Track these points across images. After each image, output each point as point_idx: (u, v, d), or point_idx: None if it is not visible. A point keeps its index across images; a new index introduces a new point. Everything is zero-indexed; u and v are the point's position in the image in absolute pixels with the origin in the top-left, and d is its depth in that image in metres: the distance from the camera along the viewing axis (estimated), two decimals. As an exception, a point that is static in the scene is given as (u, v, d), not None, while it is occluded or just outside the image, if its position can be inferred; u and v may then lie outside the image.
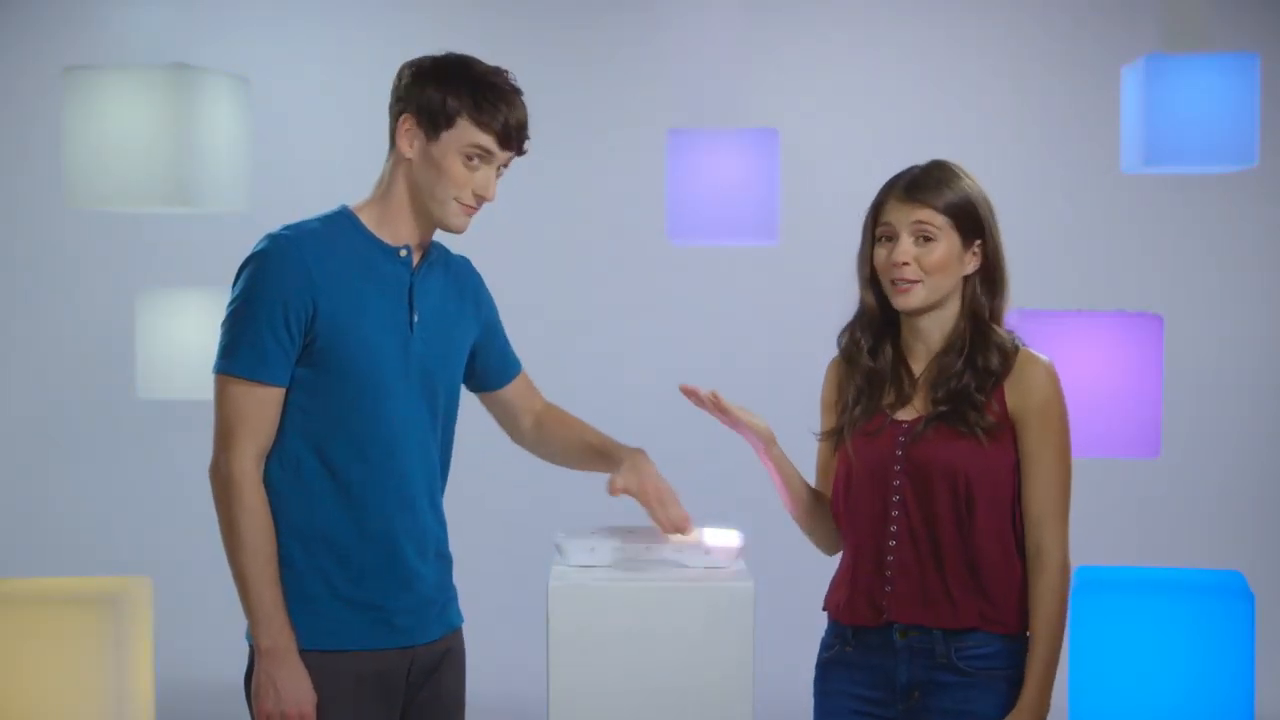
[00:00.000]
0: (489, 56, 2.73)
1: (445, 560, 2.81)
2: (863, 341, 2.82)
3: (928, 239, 2.73)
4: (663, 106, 6.29)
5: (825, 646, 2.84)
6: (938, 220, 2.73)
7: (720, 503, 5.68)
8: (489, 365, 2.92)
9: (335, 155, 6.14)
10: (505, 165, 2.71)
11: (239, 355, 2.61)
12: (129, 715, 3.45)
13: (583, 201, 6.52)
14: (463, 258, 2.91)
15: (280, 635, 2.62)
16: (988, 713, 2.70)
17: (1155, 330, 4.17)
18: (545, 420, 2.99)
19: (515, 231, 6.37)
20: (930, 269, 2.73)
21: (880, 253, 2.77)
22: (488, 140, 2.65)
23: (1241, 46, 5.81)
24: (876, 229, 2.79)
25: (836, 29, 6.50)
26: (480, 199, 2.68)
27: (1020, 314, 4.15)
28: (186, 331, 4.75)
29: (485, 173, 2.66)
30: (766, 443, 2.85)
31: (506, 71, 2.71)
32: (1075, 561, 3.67)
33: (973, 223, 2.75)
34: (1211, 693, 3.67)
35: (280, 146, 6.18)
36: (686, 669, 2.67)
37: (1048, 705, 2.71)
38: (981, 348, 2.74)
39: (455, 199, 2.66)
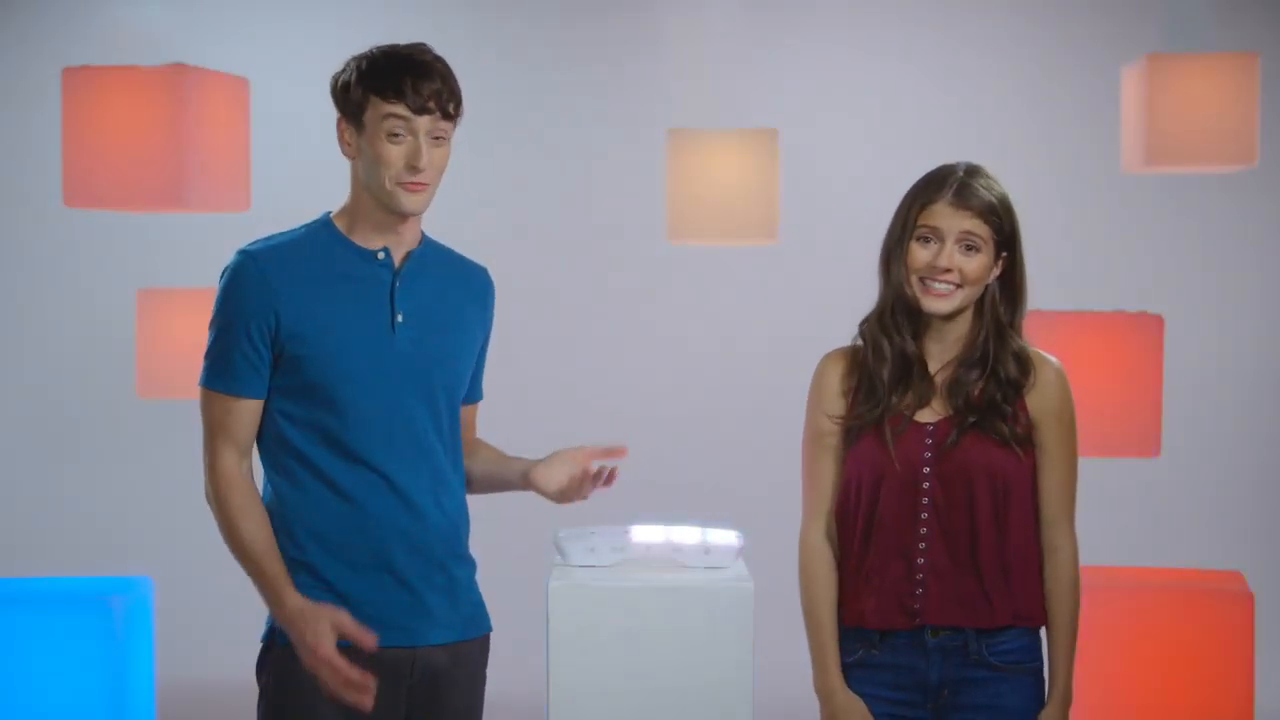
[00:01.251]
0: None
1: (457, 564, 2.76)
2: (904, 328, 2.78)
3: (971, 248, 2.73)
4: (663, 106, 6.29)
5: (847, 651, 2.79)
6: (984, 231, 2.73)
7: (720, 503, 5.68)
8: None
9: (335, 155, 6.12)
10: (443, 136, 2.69)
11: (211, 369, 2.70)
12: (129, 715, 3.45)
13: (583, 201, 6.52)
14: (481, 267, 2.89)
15: (291, 600, 2.62)
16: (1017, 705, 2.72)
17: (1155, 330, 4.17)
18: (472, 449, 2.93)
19: (515, 231, 6.37)
20: (970, 279, 2.73)
21: (921, 253, 2.74)
22: (398, 108, 2.64)
23: (1241, 46, 5.82)
24: (916, 228, 2.76)
25: (836, 29, 6.50)
26: (414, 170, 2.66)
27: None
28: (186, 332, 4.75)
29: (411, 144, 2.65)
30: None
31: (419, 45, 2.72)
32: (1075, 561, 3.67)
33: (1007, 235, 2.76)
34: (1211, 693, 3.67)
35: (280, 146, 6.18)
36: (686, 669, 2.67)
37: (1072, 694, 2.76)
38: (1001, 357, 2.76)
39: (393, 179, 2.66)
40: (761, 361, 6.33)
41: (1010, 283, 2.78)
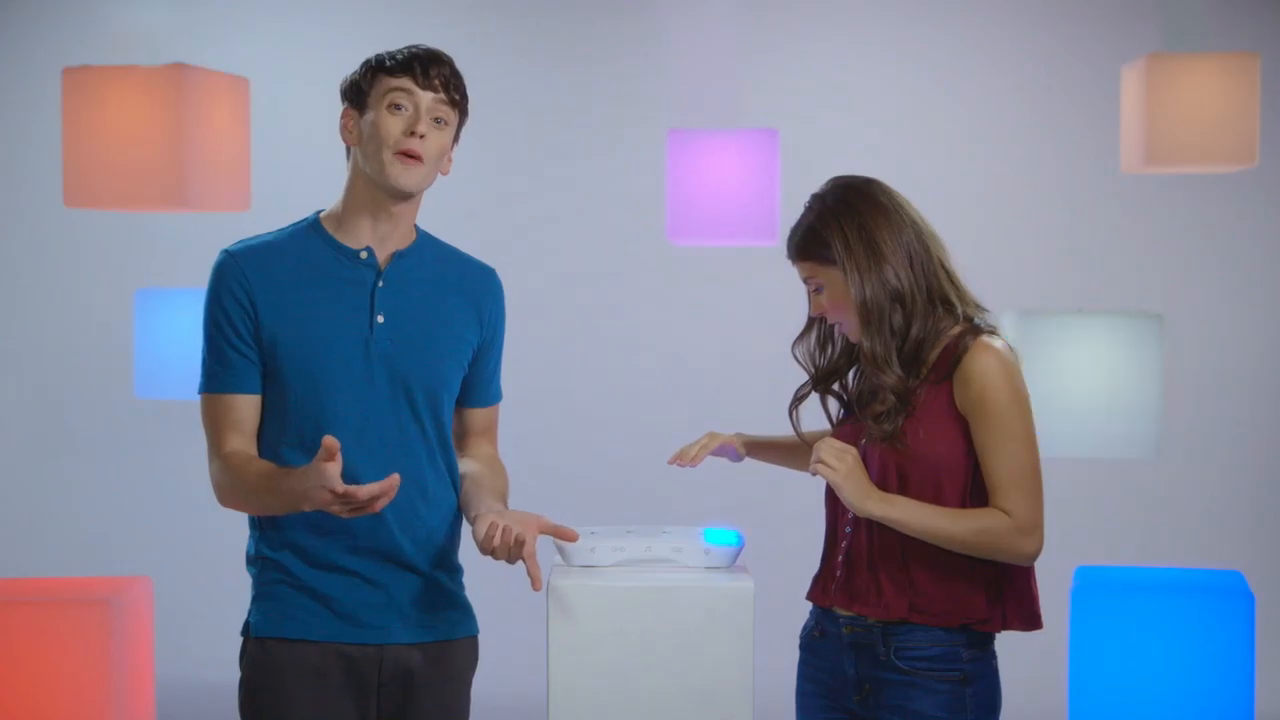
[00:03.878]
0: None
1: (436, 569, 2.77)
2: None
3: (817, 291, 2.84)
4: (663, 106, 6.30)
5: (805, 628, 2.91)
6: (811, 270, 2.83)
7: (720, 503, 5.69)
8: (464, 381, 2.87)
9: (335, 155, 6.13)
10: (445, 121, 2.70)
11: (203, 371, 2.75)
12: (129, 715, 3.45)
13: (583, 201, 6.52)
14: (486, 268, 2.88)
15: (297, 488, 2.53)
16: (929, 711, 2.72)
17: (1155, 330, 4.17)
18: (483, 462, 2.87)
19: (515, 231, 6.37)
20: (834, 313, 2.82)
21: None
22: (403, 81, 2.67)
23: (1241, 46, 5.82)
24: None
25: (836, 29, 6.50)
26: (412, 135, 2.66)
27: (1021, 314, 4.15)
28: (184, 332, 4.75)
29: (412, 114, 2.68)
30: (740, 449, 3.09)
31: (435, 47, 2.76)
32: (1075, 561, 3.67)
33: (831, 257, 2.78)
34: (1211, 693, 3.67)
35: (280, 146, 6.18)
36: (686, 669, 2.67)
37: (870, 512, 2.68)
38: (883, 366, 2.76)
39: (391, 150, 2.67)
40: (761, 362, 6.33)
41: (894, 295, 2.76)
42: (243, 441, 2.70)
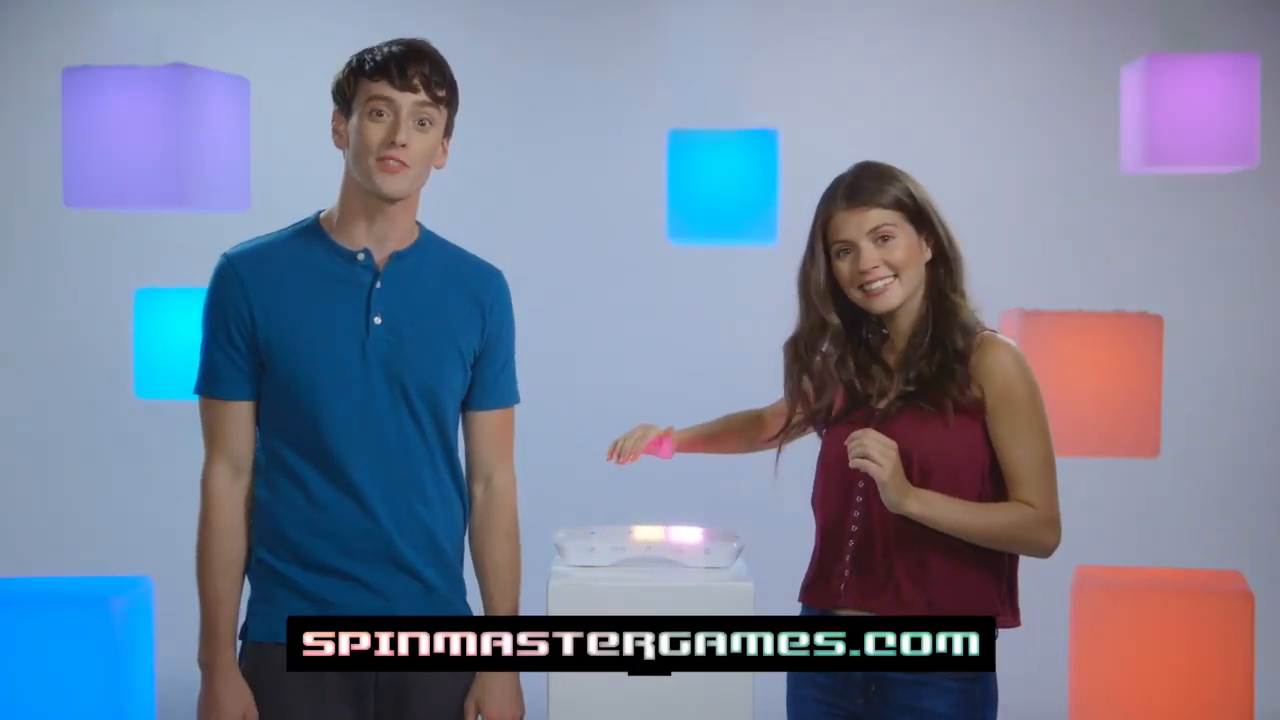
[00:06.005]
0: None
1: (435, 572, 2.77)
2: (831, 357, 2.87)
3: (886, 238, 2.77)
4: (663, 106, 6.29)
5: None
6: (890, 217, 2.77)
7: (720, 503, 5.69)
8: (470, 384, 2.85)
9: (335, 155, 6.13)
10: (429, 121, 2.69)
11: (199, 373, 2.76)
12: (129, 715, 3.45)
13: (583, 201, 6.51)
14: (489, 268, 2.86)
15: (216, 653, 2.71)
16: (939, 710, 2.72)
17: (1155, 330, 4.17)
18: (485, 517, 2.88)
19: (515, 231, 6.37)
20: (898, 265, 2.78)
21: (843, 267, 2.81)
22: (381, 86, 2.66)
23: (1241, 46, 5.81)
24: (830, 245, 2.83)
25: (837, 29, 6.50)
26: (392, 145, 2.65)
27: (1020, 314, 4.15)
28: (185, 332, 4.74)
29: (392, 122, 2.66)
30: (672, 444, 3.16)
31: (419, 39, 2.74)
32: (1075, 561, 3.67)
33: (919, 213, 2.80)
34: (1211, 692, 3.67)
35: (280, 146, 6.17)
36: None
37: (908, 510, 2.67)
38: (946, 328, 2.77)
39: (374, 158, 2.66)
40: (761, 361, 6.32)
41: (940, 254, 2.81)
42: (229, 474, 2.73)
